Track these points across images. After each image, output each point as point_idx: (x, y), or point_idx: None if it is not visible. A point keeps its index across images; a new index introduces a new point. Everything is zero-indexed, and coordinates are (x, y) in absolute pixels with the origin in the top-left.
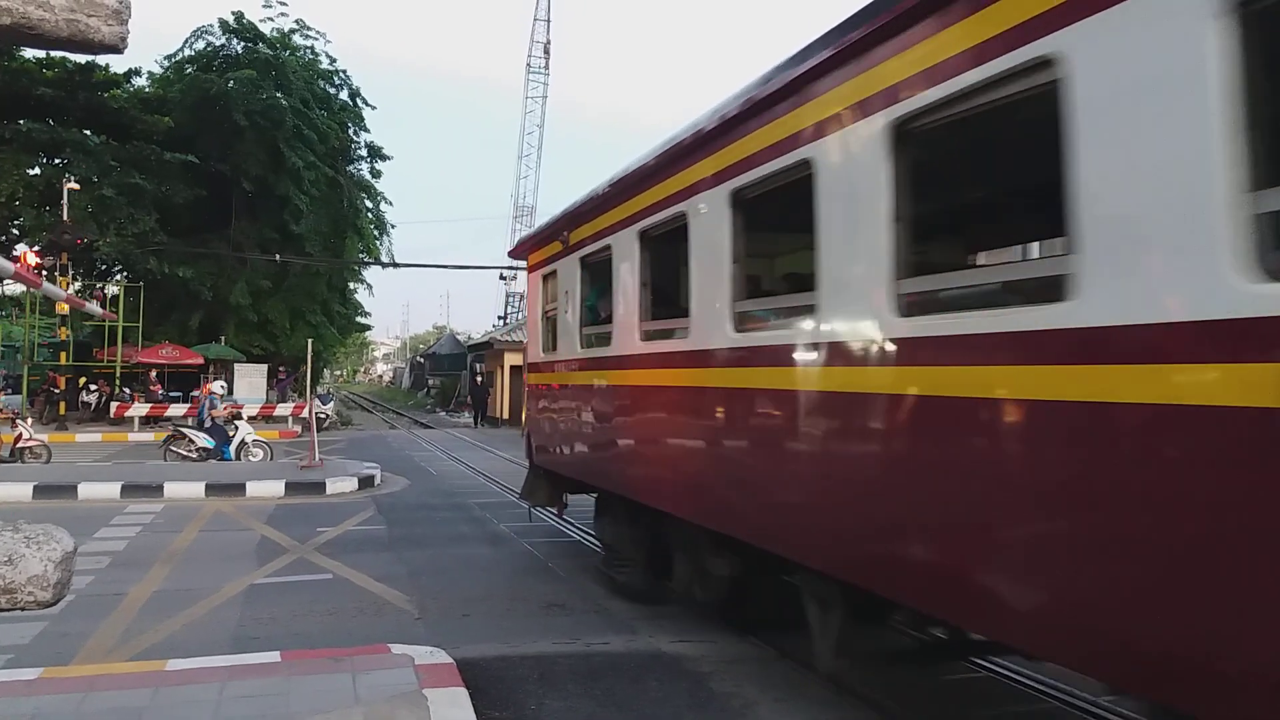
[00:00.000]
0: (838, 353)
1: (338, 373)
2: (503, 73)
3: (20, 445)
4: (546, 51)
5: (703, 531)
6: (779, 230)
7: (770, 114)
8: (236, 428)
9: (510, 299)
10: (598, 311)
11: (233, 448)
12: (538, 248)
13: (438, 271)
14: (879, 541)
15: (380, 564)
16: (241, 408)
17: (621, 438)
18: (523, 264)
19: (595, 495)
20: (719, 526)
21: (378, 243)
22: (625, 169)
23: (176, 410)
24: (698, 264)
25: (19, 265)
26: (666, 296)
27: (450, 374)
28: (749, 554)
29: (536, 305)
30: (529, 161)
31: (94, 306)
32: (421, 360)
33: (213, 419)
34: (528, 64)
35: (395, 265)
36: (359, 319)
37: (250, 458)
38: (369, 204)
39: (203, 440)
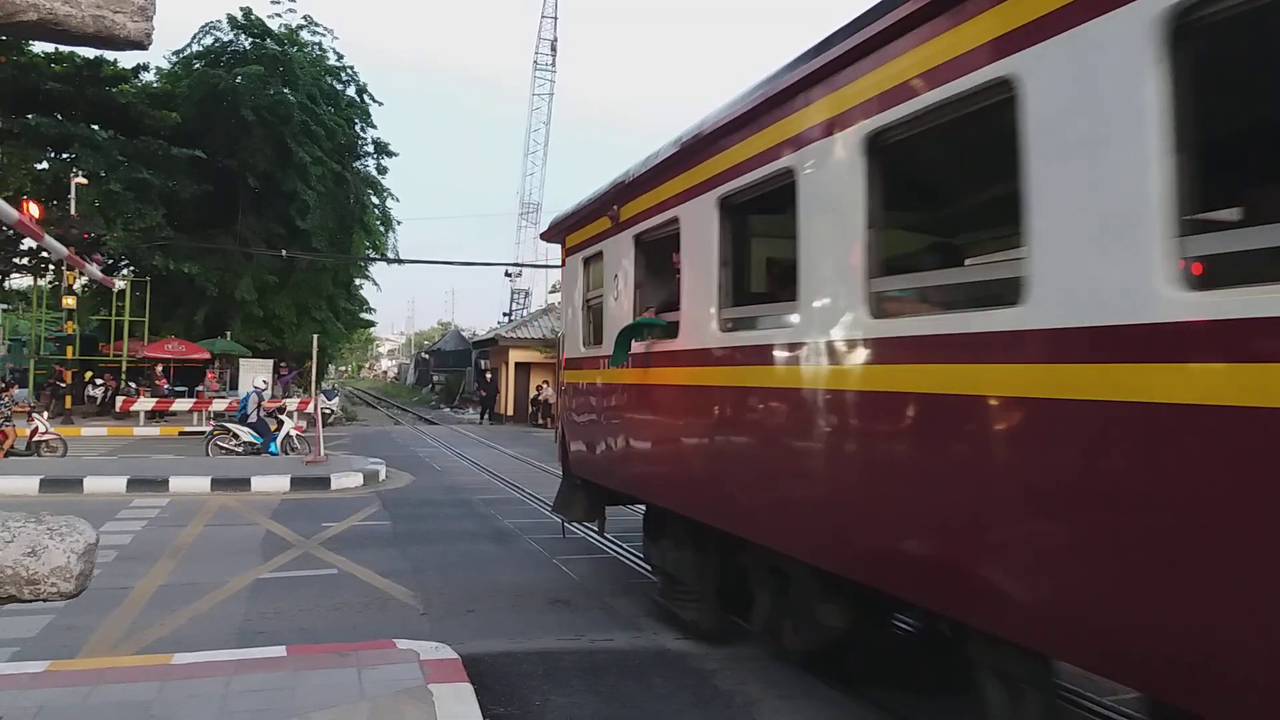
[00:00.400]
0: (1063, 344)
1: (342, 368)
2: (511, 72)
3: (36, 439)
4: (553, 48)
5: (804, 569)
6: (941, 183)
7: (944, 23)
8: (281, 422)
9: (515, 296)
10: (657, 298)
11: (278, 442)
12: (577, 227)
13: (443, 268)
14: (1158, 621)
15: (385, 559)
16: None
17: (689, 448)
18: (556, 250)
19: (644, 511)
20: (842, 569)
21: (384, 239)
22: (701, 123)
23: (182, 405)
24: (812, 233)
25: (22, 214)
26: (757, 278)
27: (455, 370)
28: (868, 599)
29: (576, 293)
30: (535, 159)
31: (94, 269)
32: (426, 356)
33: (259, 414)
34: (535, 61)
35: (401, 261)
36: (364, 315)
37: (293, 451)
38: (375, 200)
39: (248, 435)
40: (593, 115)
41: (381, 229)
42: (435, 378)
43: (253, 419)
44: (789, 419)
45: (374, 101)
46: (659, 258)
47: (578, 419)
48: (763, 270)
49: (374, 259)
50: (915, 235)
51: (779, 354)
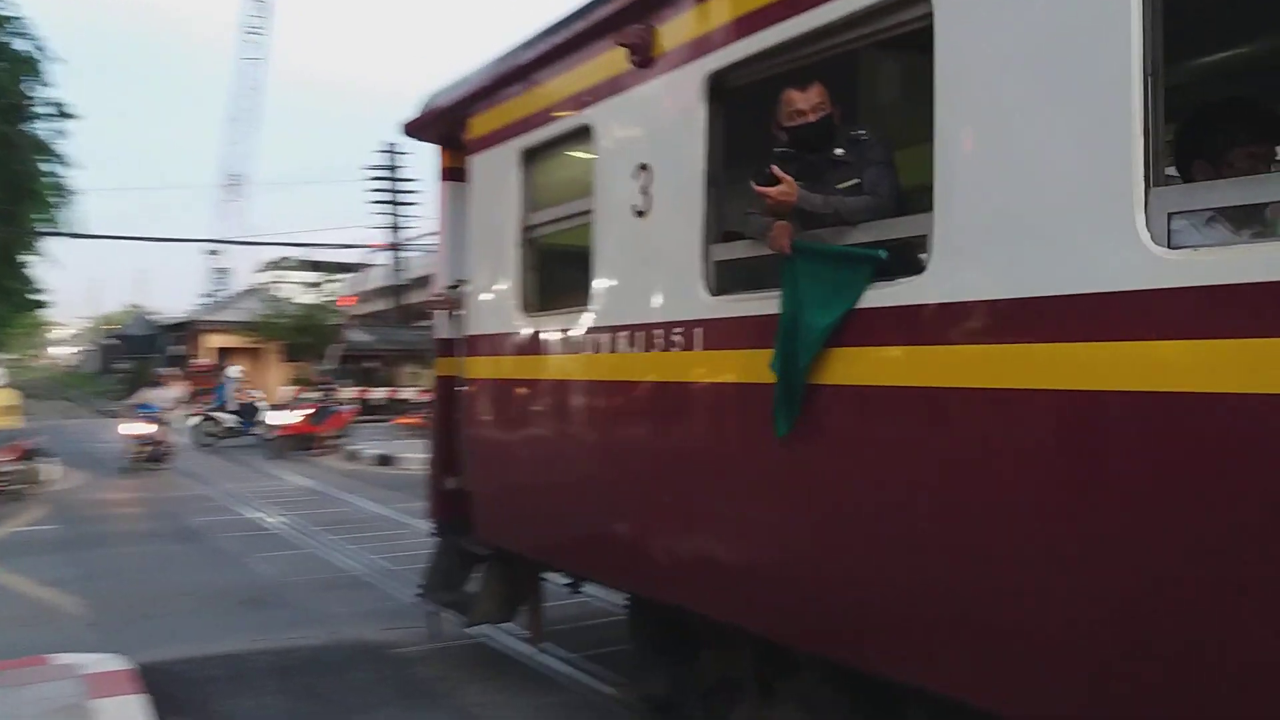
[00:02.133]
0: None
1: (14, 356)
2: (228, 28)
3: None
4: (263, 10)
5: None
6: None
7: None
8: (255, 408)
9: (216, 275)
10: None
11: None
12: (504, 95)
13: (135, 246)
14: None
15: (50, 567)
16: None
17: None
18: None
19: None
20: None
21: (56, 211)
22: None
23: None
24: None
25: None
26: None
27: (144, 357)
28: None
29: (493, 219)
30: (242, 127)
31: None
32: (111, 342)
33: (239, 400)
34: (241, 22)
35: (85, 236)
36: (32, 296)
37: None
38: (48, 167)
39: (231, 420)
40: (330, 87)
41: (55, 199)
42: (123, 365)
43: (232, 406)
44: None
45: (55, 60)
46: (764, 123)
47: (500, 445)
48: None
49: (47, 234)
50: None
51: None
